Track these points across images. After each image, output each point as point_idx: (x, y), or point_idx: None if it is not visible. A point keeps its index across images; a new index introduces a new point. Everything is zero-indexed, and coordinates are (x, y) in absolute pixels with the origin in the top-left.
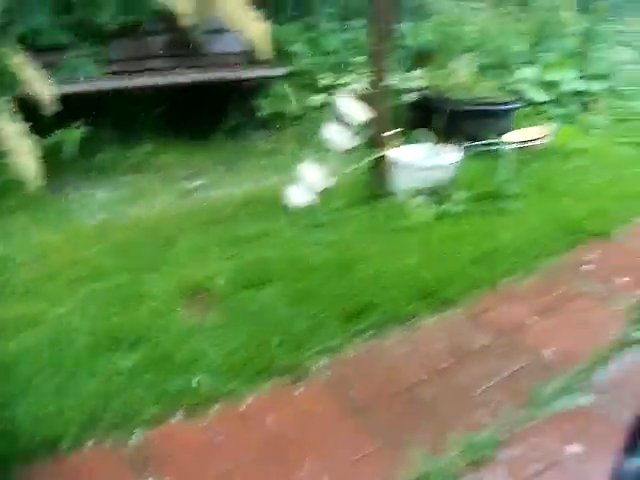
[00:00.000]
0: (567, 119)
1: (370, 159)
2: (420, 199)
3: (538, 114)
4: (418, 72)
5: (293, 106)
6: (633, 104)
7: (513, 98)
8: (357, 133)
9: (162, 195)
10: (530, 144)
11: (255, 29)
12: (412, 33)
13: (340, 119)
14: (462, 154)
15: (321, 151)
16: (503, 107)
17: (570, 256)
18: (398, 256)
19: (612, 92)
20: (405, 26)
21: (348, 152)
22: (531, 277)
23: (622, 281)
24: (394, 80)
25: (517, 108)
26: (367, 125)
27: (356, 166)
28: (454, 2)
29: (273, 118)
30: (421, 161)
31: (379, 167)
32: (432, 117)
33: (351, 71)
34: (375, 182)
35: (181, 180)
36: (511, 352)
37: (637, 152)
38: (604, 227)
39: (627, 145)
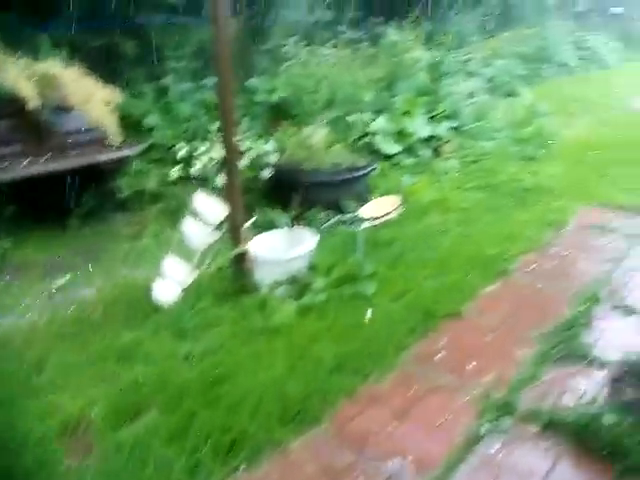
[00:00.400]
0: (419, 168)
1: (230, 254)
2: (282, 291)
3: (393, 166)
4: (272, 143)
5: (152, 183)
6: (481, 143)
7: (367, 161)
8: (215, 229)
9: (26, 300)
10: (384, 218)
11: (104, 109)
12: (265, 88)
13: (198, 216)
14: (318, 237)
15: (184, 240)
16: (358, 173)
17: (425, 344)
18: (265, 366)
19: (461, 132)
20: (258, 80)
21: (209, 247)
22: (390, 374)
23: (471, 367)
24: (249, 153)
25: (372, 169)
26: (225, 220)
27: (217, 261)
28: (307, 48)
29: (133, 198)
30: (279, 254)
31: (239, 262)
32: (289, 191)
33: (206, 138)
34: (237, 277)
35: (45, 278)
36: (375, 466)
37: (487, 195)
38: (455, 304)
39: (478, 189)
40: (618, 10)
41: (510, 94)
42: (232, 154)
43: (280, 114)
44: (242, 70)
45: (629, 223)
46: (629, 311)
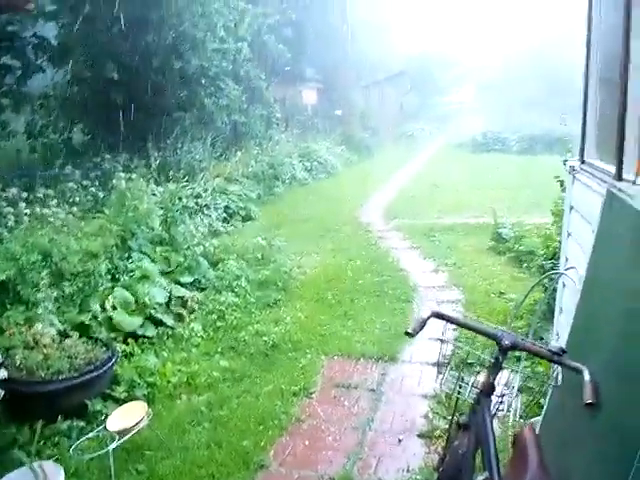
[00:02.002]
0: (164, 340)
1: None
2: None
3: (137, 342)
4: None
5: None
6: (223, 296)
7: (107, 350)
8: None
9: None
10: (135, 429)
11: None
12: None
13: None
14: (62, 474)
15: None
16: (99, 370)
17: None
18: None
19: (202, 285)
20: None
21: None
22: None
23: None
24: None
25: (115, 360)
26: None
27: None
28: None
29: None
30: None
31: None
32: (28, 403)
33: None
34: None
35: None
36: None
37: (235, 361)
38: None
39: (225, 354)
40: (338, 112)
41: (246, 219)
42: None
43: (4, 297)
44: None
45: (369, 374)
46: None
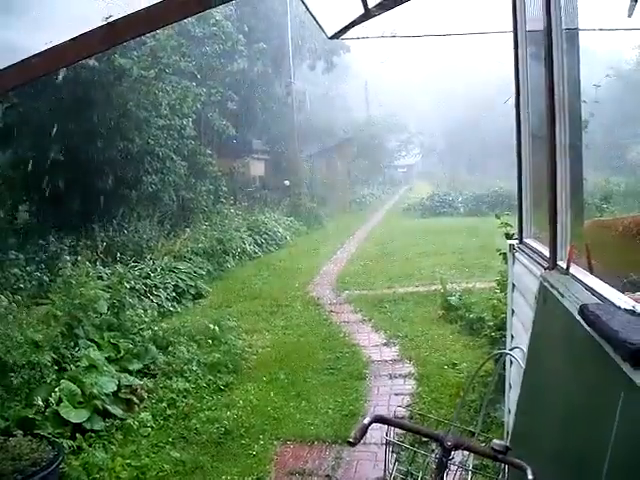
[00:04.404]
0: (112, 433)
1: None
2: None
3: (85, 435)
4: None
5: None
6: (174, 381)
7: (53, 447)
8: None
9: None
10: None
11: None
12: None
13: None
14: None
15: None
16: (44, 473)
17: None
18: None
19: (151, 371)
20: None
21: None
22: None
23: None
24: None
25: (62, 459)
26: None
27: None
28: None
29: None
30: None
31: None
32: None
33: None
34: None
35: None
36: None
37: (186, 452)
38: None
39: (177, 444)
40: (287, 182)
41: (197, 297)
42: None
43: None
44: None
45: (324, 459)
46: None
